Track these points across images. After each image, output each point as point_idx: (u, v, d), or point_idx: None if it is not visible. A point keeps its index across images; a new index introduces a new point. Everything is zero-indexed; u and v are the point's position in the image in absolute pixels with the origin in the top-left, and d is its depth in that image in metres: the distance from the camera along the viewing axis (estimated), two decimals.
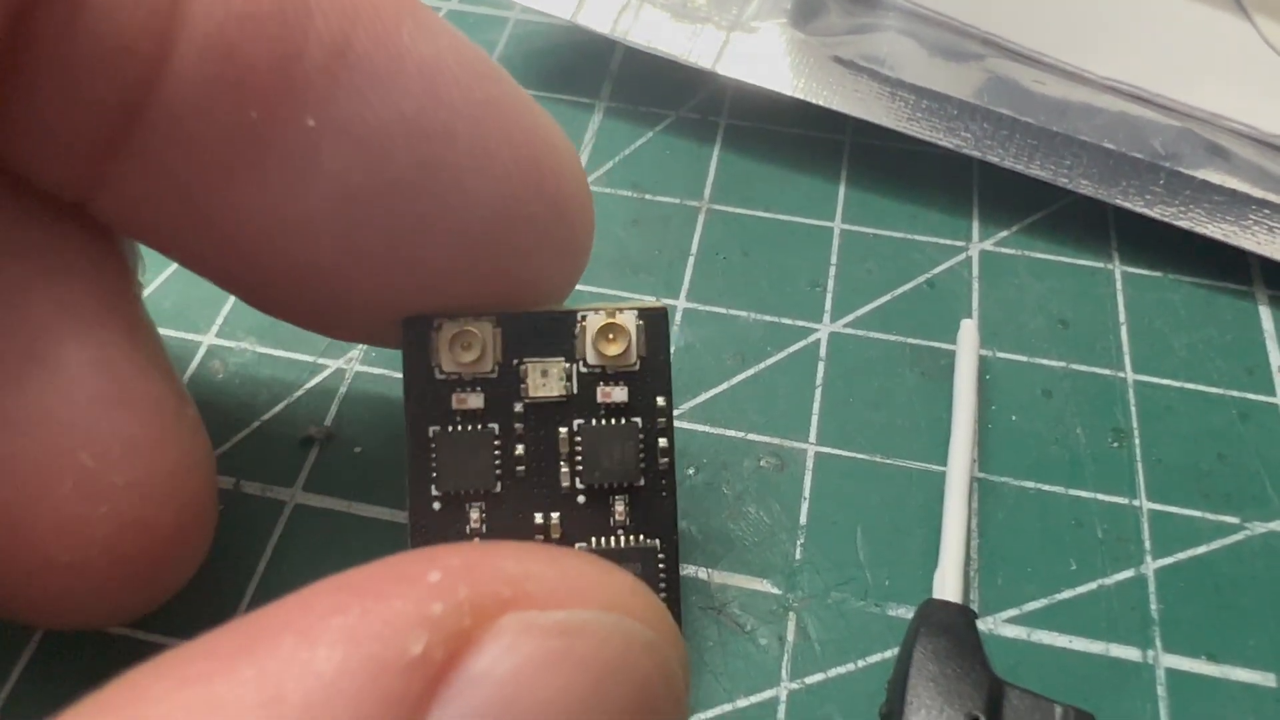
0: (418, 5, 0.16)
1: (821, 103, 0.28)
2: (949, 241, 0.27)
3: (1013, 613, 0.21)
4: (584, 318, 0.18)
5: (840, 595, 0.21)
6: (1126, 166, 0.27)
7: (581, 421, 0.18)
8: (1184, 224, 0.26)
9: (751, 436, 0.23)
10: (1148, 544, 0.22)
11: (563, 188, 0.17)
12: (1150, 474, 0.23)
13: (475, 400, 0.18)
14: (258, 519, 0.22)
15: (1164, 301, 0.26)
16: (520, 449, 0.18)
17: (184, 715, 0.09)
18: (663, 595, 0.18)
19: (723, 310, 0.26)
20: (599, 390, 0.18)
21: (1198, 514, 0.22)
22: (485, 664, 0.10)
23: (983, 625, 0.20)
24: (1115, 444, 0.23)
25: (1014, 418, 0.24)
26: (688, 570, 0.21)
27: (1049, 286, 0.27)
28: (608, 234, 0.27)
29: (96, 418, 0.16)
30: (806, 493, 0.22)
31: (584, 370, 0.18)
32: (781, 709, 0.19)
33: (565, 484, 0.18)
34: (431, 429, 0.18)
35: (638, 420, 0.18)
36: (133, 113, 0.15)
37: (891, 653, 0.20)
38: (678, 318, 0.26)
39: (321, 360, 0.25)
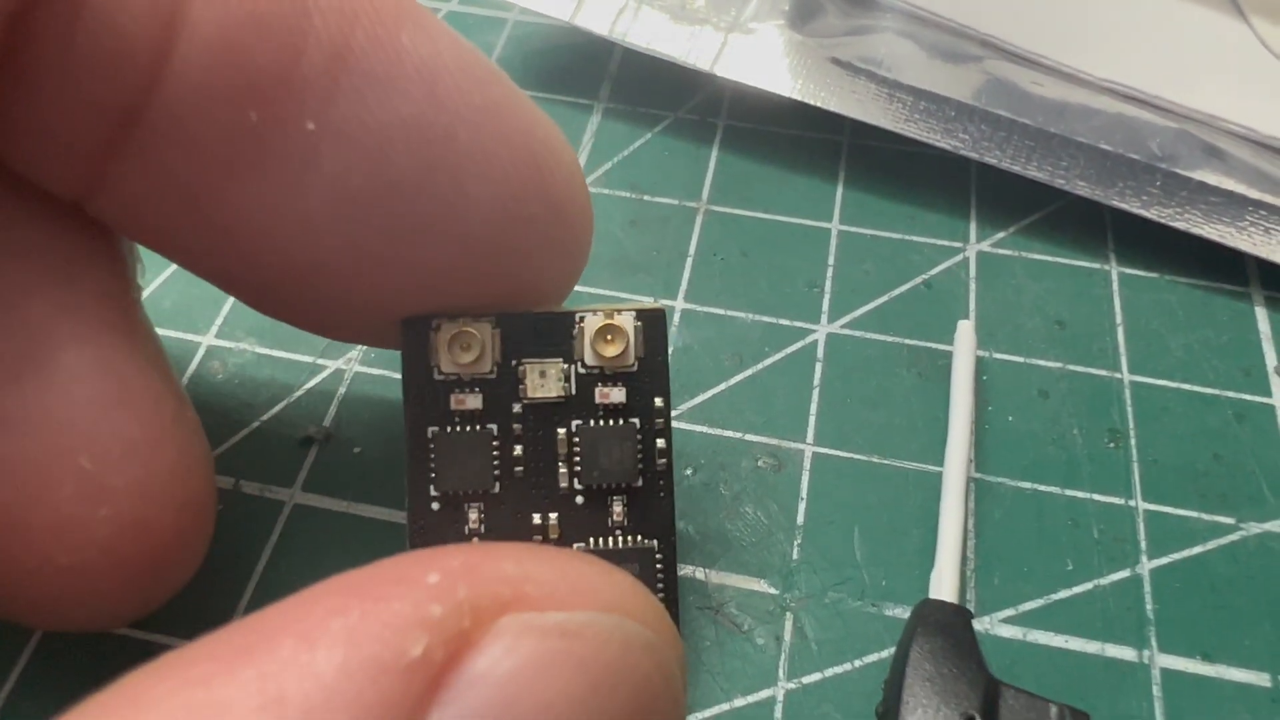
0: (417, 7, 0.16)
1: (819, 104, 0.28)
2: (946, 242, 0.28)
3: (1009, 612, 0.21)
4: (582, 319, 0.18)
5: (837, 595, 0.21)
6: (1123, 168, 0.27)
7: (580, 422, 0.18)
8: (1180, 225, 0.26)
9: (749, 437, 0.23)
10: (1143, 544, 0.22)
11: (561, 189, 0.17)
12: (1146, 474, 0.23)
13: (474, 401, 0.18)
14: (257, 519, 0.22)
15: (1160, 302, 0.26)
16: (519, 450, 0.18)
17: (184, 717, 0.09)
18: (660, 595, 0.18)
19: (721, 311, 0.26)
20: (597, 391, 0.18)
21: (1193, 514, 0.22)
22: (485, 665, 0.10)
23: (979, 625, 0.21)
24: (1111, 444, 0.23)
25: (1011, 418, 0.24)
26: (685, 570, 0.21)
27: (1046, 287, 0.27)
28: (606, 235, 0.27)
29: (96, 419, 0.16)
30: (804, 493, 0.22)
31: (582, 371, 0.18)
32: (778, 708, 0.19)
33: (563, 484, 0.18)
34: (430, 429, 0.18)
35: (636, 421, 0.18)
36: (133, 114, 0.15)
37: (888, 652, 0.20)
38: (676, 318, 0.26)
39: (321, 361, 0.25)
